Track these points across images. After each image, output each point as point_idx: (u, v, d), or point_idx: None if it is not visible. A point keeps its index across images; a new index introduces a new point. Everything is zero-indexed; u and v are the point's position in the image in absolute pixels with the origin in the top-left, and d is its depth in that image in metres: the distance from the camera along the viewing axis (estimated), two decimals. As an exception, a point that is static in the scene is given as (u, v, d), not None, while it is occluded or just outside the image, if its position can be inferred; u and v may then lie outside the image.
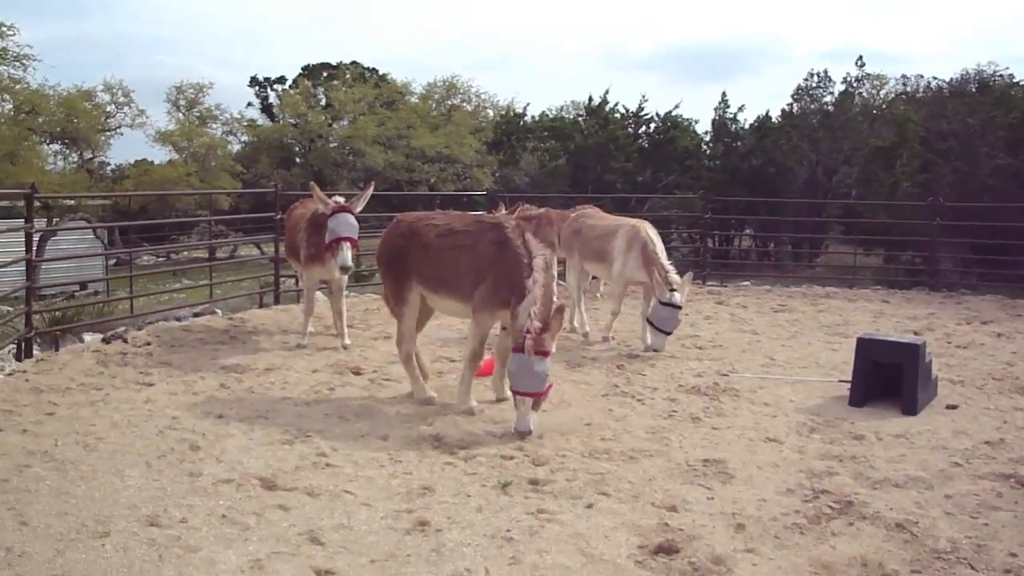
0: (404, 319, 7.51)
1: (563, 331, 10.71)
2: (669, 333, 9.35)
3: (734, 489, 5.41)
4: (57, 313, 10.52)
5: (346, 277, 9.66)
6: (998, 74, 21.52)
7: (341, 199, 9.29)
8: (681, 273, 9.54)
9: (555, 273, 13.29)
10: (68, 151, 26.01)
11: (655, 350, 9.37)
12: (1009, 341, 10.46)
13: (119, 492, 5.14)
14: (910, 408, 7.16)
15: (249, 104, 38.04)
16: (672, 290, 9.15)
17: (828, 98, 23.46)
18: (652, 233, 9.69)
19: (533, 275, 6.65)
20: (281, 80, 38.11)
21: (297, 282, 12.54)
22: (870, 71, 25.94)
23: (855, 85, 23.86)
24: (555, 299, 6.69)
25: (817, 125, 22.83)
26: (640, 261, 9.56)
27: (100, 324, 10.29)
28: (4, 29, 21.05)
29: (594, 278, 12.09)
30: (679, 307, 9.20)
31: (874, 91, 27.83)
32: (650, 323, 9.37)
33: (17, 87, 23.07)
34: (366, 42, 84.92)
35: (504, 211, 12.30)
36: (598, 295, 13.56)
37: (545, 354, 6.33)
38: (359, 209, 9.17)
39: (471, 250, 7.00)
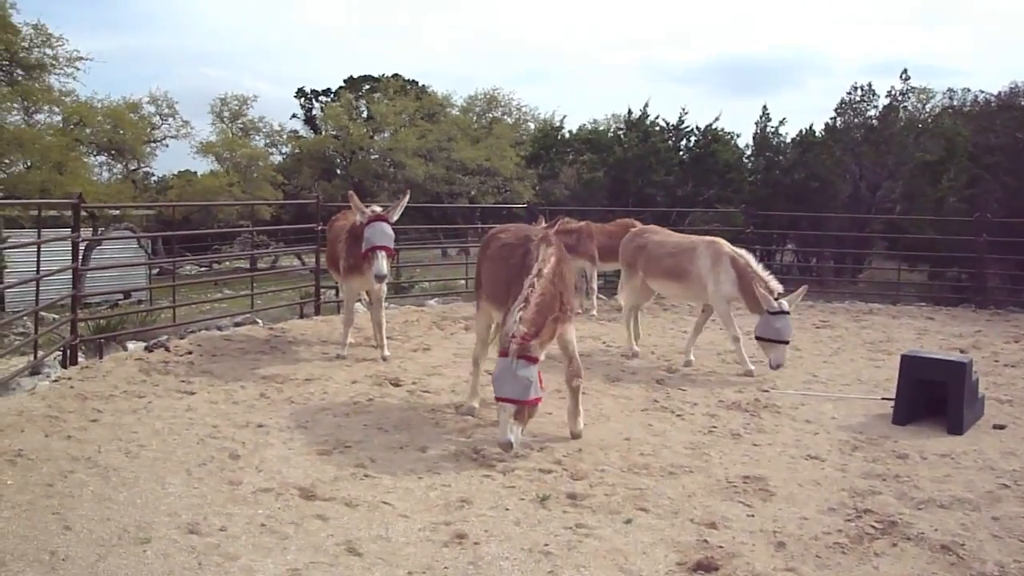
0: (477, 324, 7.72)
1: (602, 345, 10.73)
2: (787, 343, 8.83)
3: (775, 507, 5.35)
4: (101, 321, 10.71)
5: (385, 288, 9.69)
6: (1048, 87, 21.11)
7: (378, 208, 9.34)
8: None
9: (595, 287, 13.55)
10: (114, 162, 26.44)
11: (777, 366, 8.76)
12: (1059, 360, 10.22)
13: (160, 499, 5.19)
14: (956, 427, 7.02)
15: (293, 116, 38.65)
16: (777, 297, 8.72)
17: (872, 112, 23.08)
18: (733, 247, 9.38)
19: (528, 280, 6.40)
20: (326, 92, 38.63)
21: (337, 293, 12.63)
22: (915, 85, 25.61)
23: (900, 99, 23.45)
24: (567, 310, 6.59)
25: (861, 139, 22.49)
26: (732, 276, 9.12)
27: (143, 332, 10.44)
28: (54, 40, 21.61)
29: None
30: (788, 312, 8.70)
31: (919, 105, 27.44)
32: (762, 340, 8.79)
33: (67, 99, 23.56)
34: (408, 55, 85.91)
35: (544, 224, 12.26)
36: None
37: (532, 360, 6.04)
38: (395, 218, 9.22)
39: (505, 262, 6.94)
